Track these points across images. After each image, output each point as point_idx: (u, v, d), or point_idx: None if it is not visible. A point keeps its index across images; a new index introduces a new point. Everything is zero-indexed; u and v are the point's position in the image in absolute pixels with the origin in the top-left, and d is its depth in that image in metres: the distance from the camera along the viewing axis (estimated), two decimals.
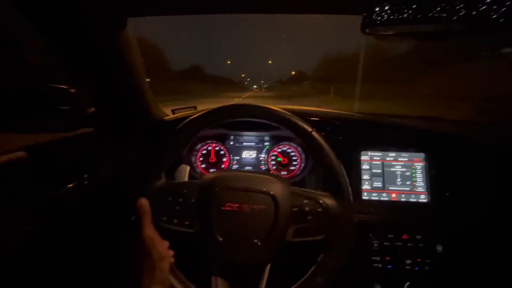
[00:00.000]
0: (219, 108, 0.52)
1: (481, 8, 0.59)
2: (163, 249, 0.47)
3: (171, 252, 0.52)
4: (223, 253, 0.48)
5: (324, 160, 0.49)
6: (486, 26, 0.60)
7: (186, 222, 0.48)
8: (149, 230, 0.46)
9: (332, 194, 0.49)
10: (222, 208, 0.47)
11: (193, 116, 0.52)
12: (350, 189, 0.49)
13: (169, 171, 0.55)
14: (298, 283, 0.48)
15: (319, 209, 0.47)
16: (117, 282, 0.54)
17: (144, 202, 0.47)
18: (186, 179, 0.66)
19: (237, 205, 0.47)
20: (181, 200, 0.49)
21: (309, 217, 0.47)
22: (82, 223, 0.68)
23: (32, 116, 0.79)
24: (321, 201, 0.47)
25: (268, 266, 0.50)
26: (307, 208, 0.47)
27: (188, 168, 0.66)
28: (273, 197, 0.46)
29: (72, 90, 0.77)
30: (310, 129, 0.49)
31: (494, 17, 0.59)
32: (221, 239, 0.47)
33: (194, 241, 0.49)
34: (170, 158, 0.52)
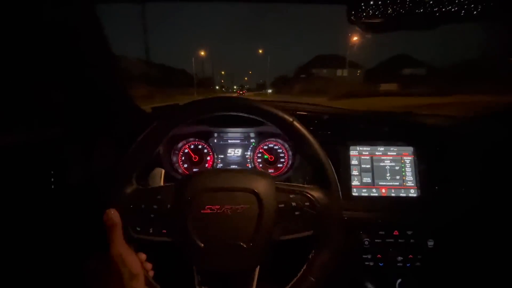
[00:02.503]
0: (191, 102, 0.47)
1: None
2: (135, 266, 0.41)
3: (149, 266, 0.47)
4: (207, 261, 0.43)
5: (307, 150, 0.45)
6: (466, 13, 0.61)
7: (163, 231, 0.43)
8: (118, 246, 0.41)
9: (319, 185, 0.45)
10: (202, 211, 0.42)
11: (164, 112, 0.47)
12: (337, 178, 0.46)
13: (141, 176, 0.49)
14: (290, 284, 0.44)
15: (307, 203, 0.44)
16: None
17: (112, 214, 0.41)
18: (161, 183, 0.60)
19: (218, 206, 0.43)
20: (155, 207, 0.43)
21: (296, 213, 0.44)
22: (45, 235, 0.62)
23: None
24: (308, 194, 0.44)
25: (257, 269, 0.46)
26: (293, 203, 0.44)
27: (163, 171, 0.61)
28: (257, 194, 0.43)
29: (41, 89, 0.71)
30: (290, 119, 0.46)
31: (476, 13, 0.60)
32: (203, 245, 0.42)
33: (174, 250, 0.44)
34: (141, 160, 0.46)
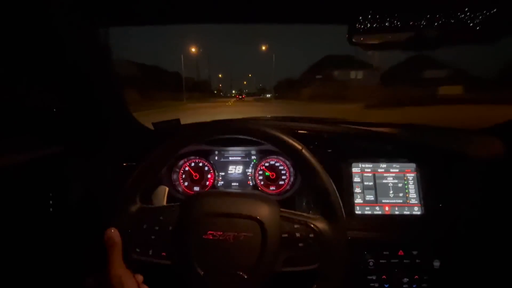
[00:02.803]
0: (205, 124, 0.48)
1: (460, 17, 0.59)
2: None
3: None
4: None
5: (315, 180, 0.45)
6: (464, 34, 0.61)
7: (163, 253, 0.43)
8: (117, 268, 0.40)
9: (324, 217, 0.45)
10: (204, 236, 0.42)
11: (175, 133, 0.47)
12: (343, 210, 0.45)
13: (145, 194, 0.49)
14: None
15: (311, 235, 0.43)
16: None
17: (113, 233, 0.41)
18: (164, 202, 0.60)
19: (220, 233, 0.42)
20: (157, 228, 0.43)
21: (300, 244, 0.42)
22: (45, 256, 0.60)
23: None
24: (312, 226, 0.43)
25: None
26: (298, 234, 0.43)
27: (166, 189, 0.60)
28: (261, 223, 0.42)
29: (37, 105, 0.71)
30: (300, 147, 0.45)
31: (472, 25, 0.60)
32: (202, 272, 0.41)
33: (172, 274, 0.43)
34: (145, 179, 0.46)
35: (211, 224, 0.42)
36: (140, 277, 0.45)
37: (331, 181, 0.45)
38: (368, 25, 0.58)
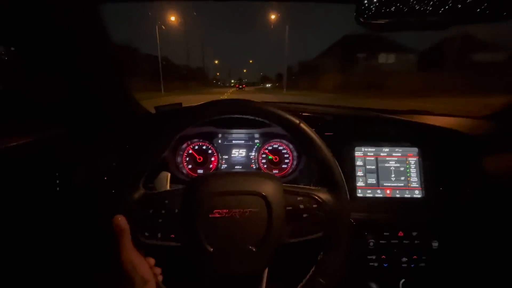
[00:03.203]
0: (202, 104, 0.47)
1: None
2: (146, 272, 0.41)
3: (158, 270, 0.47)
4: (216, 265, 0.43)
5: (314, 152, 0.45)
6: (474, 17, 0.59)
7: (172, 235, 0.43)
8: (129, 252, 0.41)
9: (327, 187, 0.46)
10: (210, 215, 0.42)
11: (174, 115, 0.46)
12: (344, 180, 0.46)
13: (147, 180, 0.49)
14: (300, 285, 0.44)
15: (315, 205, 0.44)
16: None
17: (120, 220, 0.41)
18: (167, 187, 0.60)
19: (226, 210, 0.42)
20: (163, 211, 0.43)
21: (304, 215, 0.44)
22: (52, 236, 0.62)
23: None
24: (315, 196, 0.44)
25: (266, 272, 0.46)
26: (301, 206, 0.44)
27: (169, 175, 0.61)
28: (265, 197, 0.43)
29: (41, 89, 0.70)
30: (297, 121, 0.45)
31: (480, 10, 0.58)
32: (211, 249, 0.42)
33: (183, 255, 0.44)
34: (148, 164, 0.46)
35: (217, 203, 0.43)
36: (151, 260, 0.46)
37: (331, 153, 0.46)
38: (377, 4, 0.57)
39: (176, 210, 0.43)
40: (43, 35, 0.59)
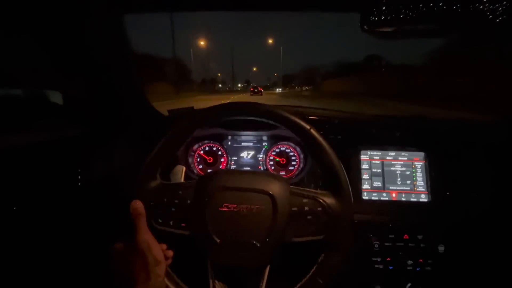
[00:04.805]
0: (217, 106, 0.51)
1: (478, 7, 0.59)
2: (158, 253, 0.45)
3: (170, 253, 0.50)
4: (221, 256, 0.46)
5: (323, 157, 0.48)
6: (483, 24, 0.61)
7: (182, 224, 0.47)
8: (144, 234, 0.44)
9: (332, 192, 0.47)
10: (219, 209, 0.45)
11: (190, 114, 0.50)
12: (350, 186, 0.48)
13: (164, 172, 0.53)
14: (298, 285, 0.46)
15: (319, 208, 0.46)
16: None
17: (138, 204, 0.46)
18: (182, 180, 0.64)
19: (235, 205, 0.45)
20: (176, 201, 0.47)
21: (308, 217, 0.46)
22: (75, 225, 0.66)
23: (25, 117, 0.78)
24: (320, 200, 0.46)
25: (268, 268, 0.48)
26: (306, 208, 0.46)
27: (184, 168, 0.65)
28: (272, 197, 0.45)
29: (64, 91, 0.76)
30: (308, 127, 0.48)
31: (491, 17, 0.60)
32: (218, 241, 0.45)
33: (191, 244, 0.47)
34: (165, 157, 0.50)
35: (227, 198, 0.46)
36: (163, 246, 0.49)
37: (339, 159, 0.48)
38: (382, 12, 0.59)
39: (189, 201, 0.47)
40: (71, 43, 0.65)
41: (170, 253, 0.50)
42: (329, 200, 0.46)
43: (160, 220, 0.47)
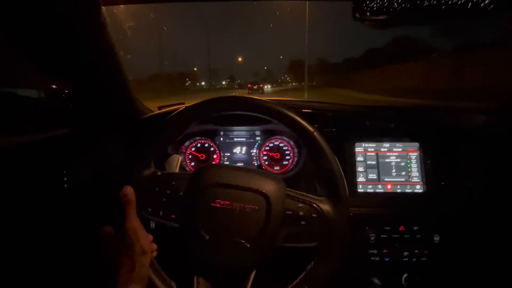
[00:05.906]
0: (217, 98, 0.48)
1: None
2: (146, 243, 0.43)
3: (155, 246, 0.49)
4: (208, 252, 0.44)
5: (324, 163, 0.45)
6: (474, 11, 0.60)
7: (172, 216, 0.45)
8: (133, 221, 0.42)
9: (329, 199, 0.45)
10: (212, 204, 0.44)
11: (190, 104, 0.48)
12: (348, 194, 0.46)
13: (159, 161, 0.51)
14: None
15: (314, 215, 0.44)
16: (91, 279, 0.49)
17: (129, 190, 0.43)
18: (177, 170, 0.62)
19: (228, 202, 0.44)
20: (168, 191, 0.45)
21: (302, 222, 0.44)
22: (62, 225, 0.64)
23: (7, 118, 0.74)
24: (316, 206, 0.44)
25: (253, 273, 0.46)
26: (301, 213, 0.44)
27: (180, 158, 0.62)
28: (267, 197, 0.43)
29: (47, 89, 0.73)
30: (312, 129, 0.46)
31: (482, 5, 0.59)
32: (207, 237, 0.43)
33: (179, 237, 0.46)
34: (161, 146, 0.48)
35: (220, 194, 0.44)
36: (150, 236, 0.47)
37: (339, 165, 0.46)
38: (374, 1, 0.57)
39: (181, 193, 0.45)
40: (52, 38, 0.61)
41: (155, 246, 0.48)
42: (325, 207, 0.44)
43: (149, 210, 0.45)
